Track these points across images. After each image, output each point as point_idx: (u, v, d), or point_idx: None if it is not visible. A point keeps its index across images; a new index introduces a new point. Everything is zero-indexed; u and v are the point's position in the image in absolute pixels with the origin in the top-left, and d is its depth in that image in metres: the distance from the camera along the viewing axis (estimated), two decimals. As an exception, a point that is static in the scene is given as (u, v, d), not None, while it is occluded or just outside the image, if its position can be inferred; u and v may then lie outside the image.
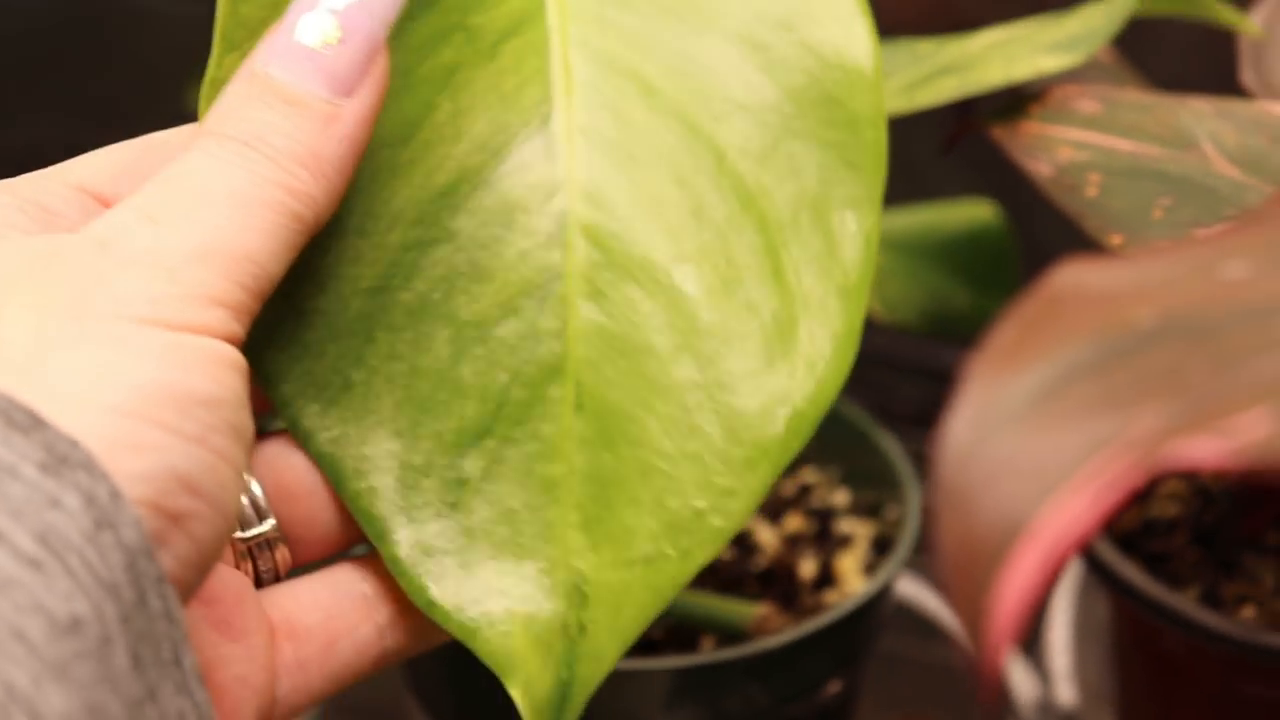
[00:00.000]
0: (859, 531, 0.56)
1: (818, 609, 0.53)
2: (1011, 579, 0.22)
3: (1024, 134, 0.46)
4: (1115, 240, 0.44)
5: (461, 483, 0.35)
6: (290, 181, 0.31)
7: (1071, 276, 0.25)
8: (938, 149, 0.52)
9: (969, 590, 0.23)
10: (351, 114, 0.32)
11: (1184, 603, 0.50)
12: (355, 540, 0.36)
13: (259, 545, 0.34)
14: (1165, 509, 0.56)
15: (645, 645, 0.52)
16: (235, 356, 0.30)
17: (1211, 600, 0.52)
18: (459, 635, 0.34)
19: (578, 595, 0.34)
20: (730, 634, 0.51)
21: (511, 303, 0.35)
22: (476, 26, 0.36)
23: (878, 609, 0.52)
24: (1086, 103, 0.47)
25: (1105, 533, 0.53)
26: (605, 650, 0.34)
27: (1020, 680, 0.62)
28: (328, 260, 0.35)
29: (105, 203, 0.33)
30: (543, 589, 0.34)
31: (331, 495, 0.35)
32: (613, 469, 0.35)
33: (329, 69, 0.32)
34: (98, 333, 0.28)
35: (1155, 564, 0.53)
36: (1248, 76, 0.54)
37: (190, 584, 0.29)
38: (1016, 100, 0.48)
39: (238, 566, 0.34)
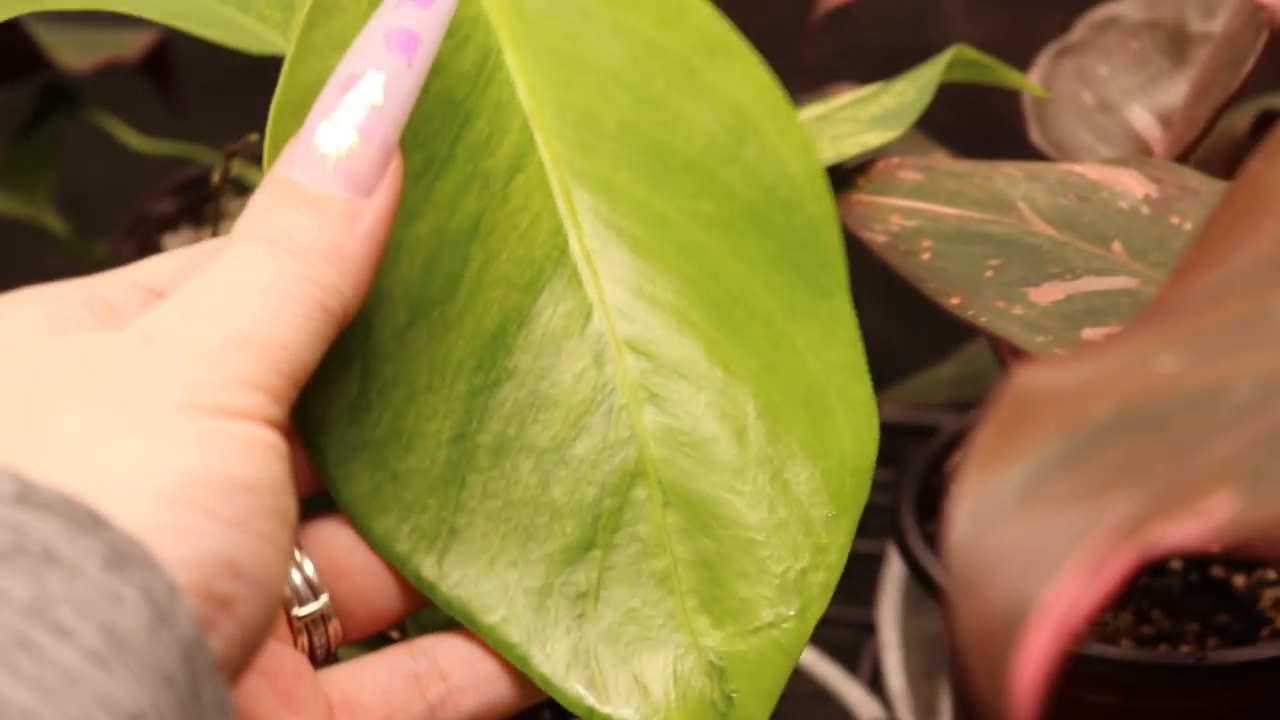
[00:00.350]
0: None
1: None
2: (1028, 654, 0.26)
3: (855, 205, 0.50)
4: (955, 301, 0.48)
5: (581, 595, 0.37)
6: (317, 276, 0.33)
7: (1030, 379, 0.28)
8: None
9: (989, 666, 0.26)
10: (372, 211, 0.34)
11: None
12: (405, 614, 0.38)
13: (313, 621, 0.36)
14: None
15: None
16: (275, 440, 0.31)
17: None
18: None
19: (715, 671, 0.37)
20: None
21: (580, 422, 0.38)
22: (488, 171, 0.39)
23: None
24: (908, 173, 0.51)
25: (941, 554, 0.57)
26: (755, 713, 0.37)
27: (860, 704, 0.66)
28: (408, 422, 0.37)
29: None
30: (684, 673, 0.37)
31: (381, 570, 0.37)
32: (714, 550, 0.38)
33: (349, 172, 0.33)
34: (142, 422, 0.29)
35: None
36: (1035, 135, 0.59)
37: (238, 665, 0.30)
38: (842, 174, 0.52)
39: (294, 643, 0.36)
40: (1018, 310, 0.47)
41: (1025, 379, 0.29)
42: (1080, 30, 0.62)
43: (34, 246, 0.81)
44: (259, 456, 0.30)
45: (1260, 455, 0.26)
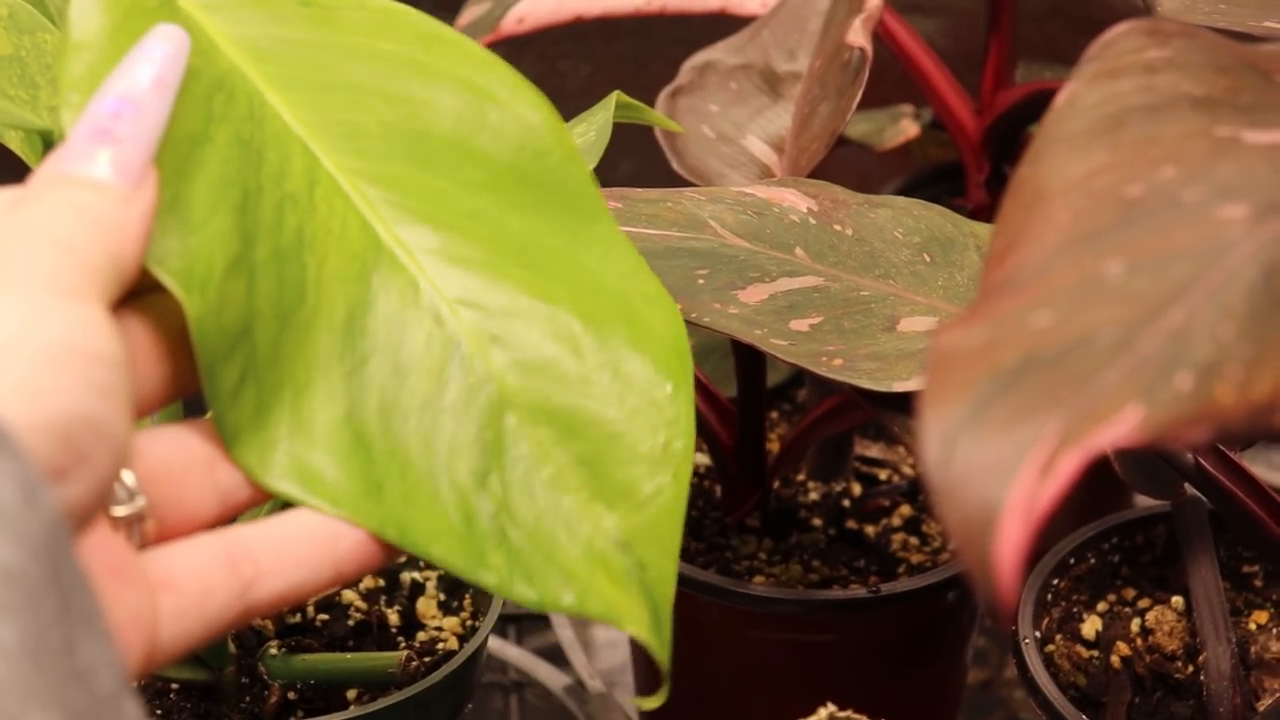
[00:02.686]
0: (428, 575, 0.65)
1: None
2: (1005, 540, 0.34)
3: (569, 231, 0.58)
4: (679, 305, 0.56)
5: (495, 514, 0.43)
6: (107, 241, 0.38)
7: (946, 341, 0.37)
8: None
9: (976, 553, 0.34)
10: (142, 203, 0.39)
11: (716, 578, 0.63)
12: (218, 523, 0.42)
13: (130, 521, 0.40)
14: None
15: (303, 708, 0.60)
16: (116, 328, 0.37)
17: (726, 574, 0.65)
18: (571, 614, 0.44)
19: (623, 545, 0.44)
20: (378, 683, 0.60)
21: (441, 375, 0.44)
22: (293, 191, 0.44)
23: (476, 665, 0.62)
24: (610, 202, 0.59)
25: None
26: (665, 569, 0.44)
27: (550, 677, 0.73)
28: (305, 413, 0.43)
29: None
30: (599, 554, 0.44)
31: (201, 482, 0.42)
32: (588, 449, 0.44)
33: (119, 163, 0.39)
34: (12, 301, 0.35)
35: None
36: (675, 165, 0.68)
37: (90, 511, 0.36)
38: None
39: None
40: (733, 310, 0.56)
41: (944, 341, 0.37)
42: (685, 74, 0.72)
43: None
44: (112, 338, 0.37)
45: (1145, 377, 0.36)
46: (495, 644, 0.76)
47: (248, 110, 0.44)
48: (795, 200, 0.60)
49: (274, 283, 0.43)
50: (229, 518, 0.42)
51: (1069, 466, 0.34)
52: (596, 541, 0.44)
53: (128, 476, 0.40)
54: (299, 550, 0.41)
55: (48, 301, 0.36)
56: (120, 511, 0.39)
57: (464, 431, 0.44)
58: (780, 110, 0.70)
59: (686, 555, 0.67)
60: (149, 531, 0.40)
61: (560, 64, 0.97)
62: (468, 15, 0.77)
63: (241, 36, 0.46)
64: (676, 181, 0.66)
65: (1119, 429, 0.35)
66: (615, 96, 0.62)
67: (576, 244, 0.47)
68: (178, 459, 0.41)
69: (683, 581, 0.62)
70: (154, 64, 0.41)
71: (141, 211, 0.39)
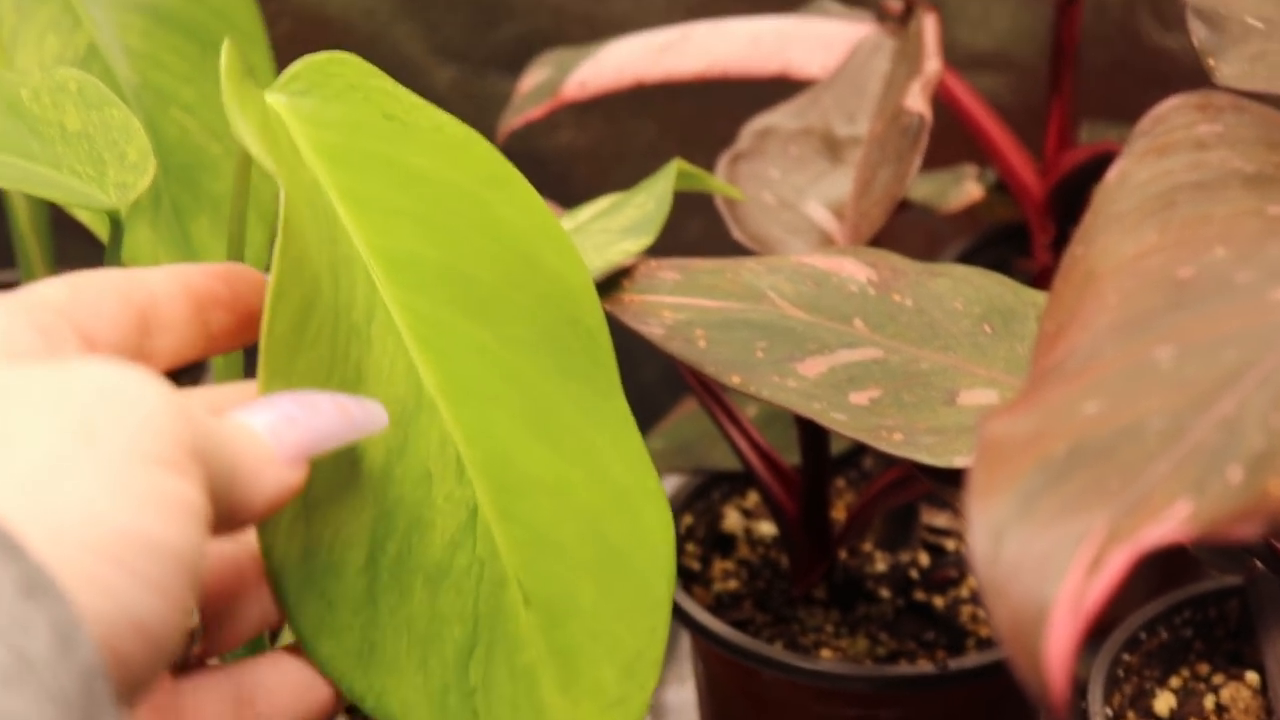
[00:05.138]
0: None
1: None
2: (1055, 638, 0.33)
3: (628, 304, 0.57)
4: (736, 380, 0.55)
5: (473, 691, 0.43)
6: (234, 476, 0.37)
7: (996, 430, 0.36)
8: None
9: (1026, 650, 0.34)
10: (282, 476, 0.38)
11: (783, 653, 0.62)
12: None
13: (185, 643, 0.40)
14: (727, 585, 0.69)
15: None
16: (202, 505, 0.34)
17: (793, 648, 0.65)
18: None
19: None
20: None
21: (454, 539, 0.44)
22: (355, 322, 0.44)
23: None
24: (668, 274, 0.59)
25: (706, 607, 0.65)
26: None
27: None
28: (336, 554, 0.42)
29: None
30: None
31: (247, 599, 0.42)
32: (568, 641, 0.44)
33: (279, 433, 0.38)
34: (89, 468, 0.32)
35: (739, 628, 0.65)
36: (736, 233, 0.68)
37: (124, 704, 0.33)
38: (610, 278, 0.59)
39: None
40: (792, 383, 0.56)
41: (992, 430, 0.37)
42: (745, 139, 0.71)
43: None
44: (187, 521, 0.33)
45: (1194, 469, 0.35)
46: None
47: (329, 230, 0.44)
48: (854, 270, 0.60)
49: None
50: (258, 634, 0.42)
51: (1118, 563, 0.34)
52: None
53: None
54: (286, 699, 0.41)
55: (136, 473, 0.33)
56: None
57: (463, 600, 0.44)
58: (841, 176, 0.70)
59: (753, 628, 0.66)
60: (193, 653, 0.40)
61: (627, 124, 0.97)
62: (530, 80, 0.77)
63: (324, 143, 0.46)
64: (739, 247, 0.65)
65: (1167, 525, 0.34)
66: (676, 165, 0.62)
67: (592, 422, 0.47)
68: (231, 576, 0.41)
69: (748, 655, 0.62)
70: (355, 410, 0.41)
71: (279, 480, 0.38)
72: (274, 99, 0.46)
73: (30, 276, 0.74)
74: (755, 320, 0.58)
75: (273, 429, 0.38)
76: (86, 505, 0.32)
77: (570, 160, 0.98)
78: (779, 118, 0.73)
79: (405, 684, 0.43)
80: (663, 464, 0.72)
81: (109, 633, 0.31)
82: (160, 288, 0.40)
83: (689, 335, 0.57)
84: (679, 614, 0.64)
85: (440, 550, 0.44)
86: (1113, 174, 0.43)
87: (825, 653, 0.65)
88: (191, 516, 0.34)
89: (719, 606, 0.67)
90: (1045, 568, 0.34)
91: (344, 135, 0.46)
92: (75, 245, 0.72)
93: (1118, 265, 0.41)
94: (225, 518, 0.36)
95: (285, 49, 0.73)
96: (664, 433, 0.75)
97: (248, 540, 0.42)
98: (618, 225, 0.60)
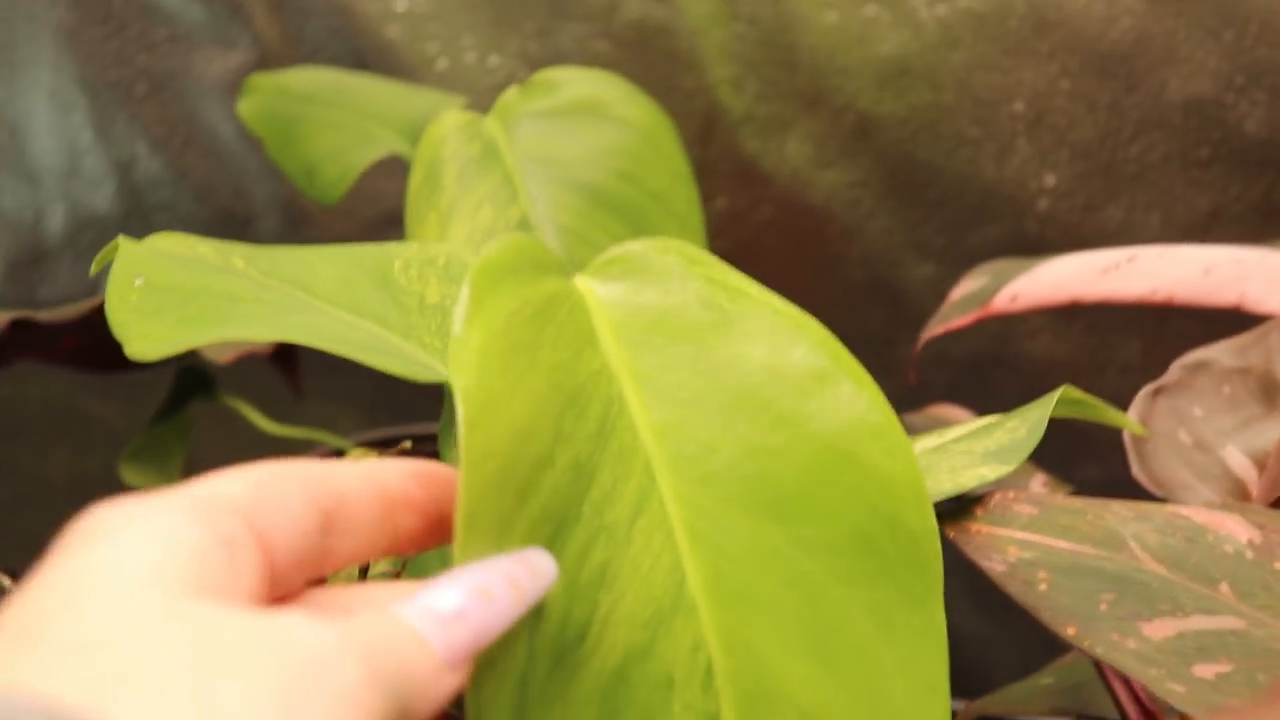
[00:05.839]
0: None
1: None
2: None
3: (974, 534, 0.54)
4: (1071, 631, 0.51)
5: None
6: (410, 693, 0.35)
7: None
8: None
9: None
10: (449, 685, 0.37)
11: None
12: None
13: None
14: None
15: None
16: None
17: None
18: None
19: None
20: None
21: None
22: (612, 523, 0.42)
23: None
24: (1024, 507, 0.55)
25: None
26: None
27: None
28: None
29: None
30: None
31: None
32: None
33: (449, 637, 0.37)
34: None
35: None
36: (1135, 469, 0.63)
37: None
38: (961, 503, 0.55)
39: None
40: (1131, 644, 0.50)
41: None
42: (1174, 372, 0.66)
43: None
44: None
45: None
46: None
47: (598, 423, 0.43)
48: (1235, 529, 0.54)
49: (559, 623, 0.41)
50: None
51: None
52: None
53: None
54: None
55: None
56: None
57: None
58: (1272, 423, 0.64)
59: None
60: None
61: (1109, 337, 0.92)
62: (963, 289, 0.75)
63: (626, 327, 0.45)
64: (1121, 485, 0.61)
65: None
66: (1061, 392, 0.58)
67: (886, 634, 0.44)
68: None
69: None
70: (526, 582, 0.39)
71: (442, 690, 0.37)
72: (583, 282, 0.46)
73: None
74: (1107, 570, 0.53)
75: (443, 633, 0.37)
76: None
77: (1046, 369, 0.94)
78: (1217, 352, 0.67)
79: None
80: (1047, 702, 0.67)
81: None
82: (350, 487, 0.39)
83: (1031, 577, 0.52)
84: None
85: None
86: None
87: None
88: None
89: None
90: None
91: (650, 321, 0.45)
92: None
93: None
94: None
95: (765, 234, 0.74)
96: (1059, 669, 0.70)
97: None
98: (982, 448, 0.57)
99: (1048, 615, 0.52)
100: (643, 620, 0.42)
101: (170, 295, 0.51)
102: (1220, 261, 0.72)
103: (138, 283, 0.52)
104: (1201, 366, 0.67)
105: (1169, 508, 0.55)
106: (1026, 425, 0.57)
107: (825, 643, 0.43)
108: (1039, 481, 0.69)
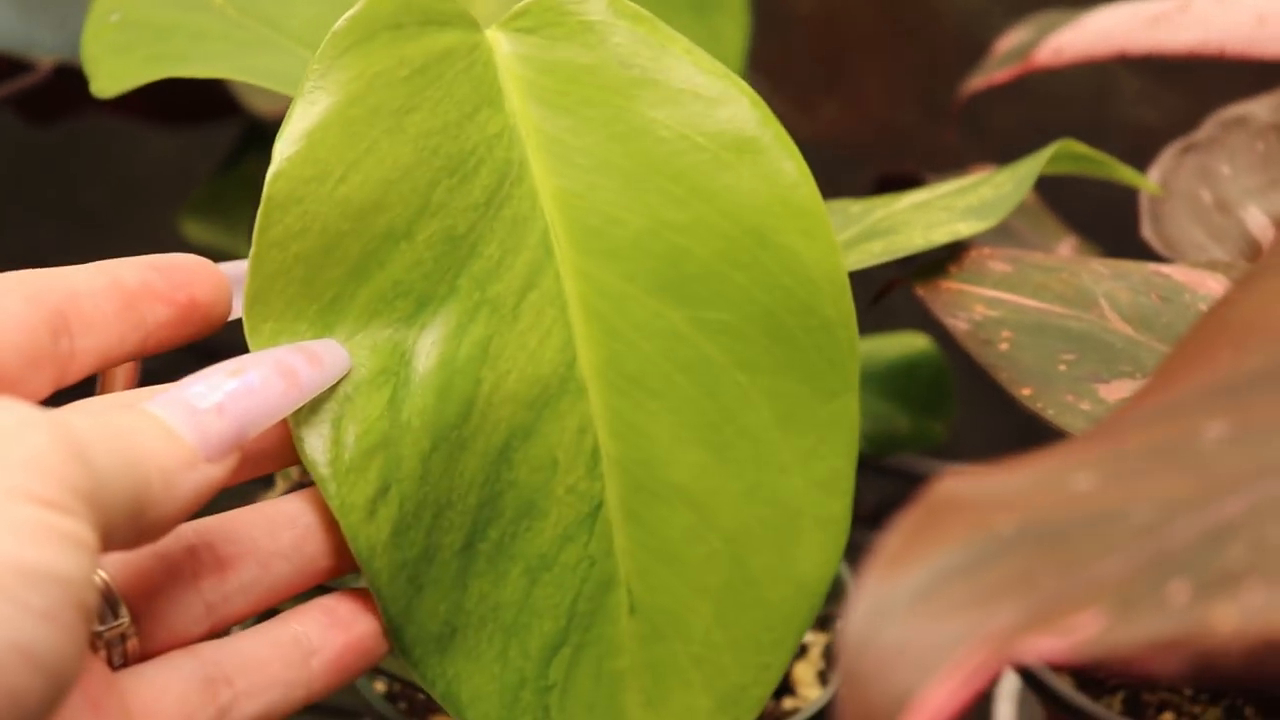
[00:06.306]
0: (813, 641, 0.61)
1: (779, 716, 0.58)
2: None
3: (943, 292, 0.52)
4: (1025, 392, 0.49)
5: (549, 688, 0.41)
6: (141, 478, 0.34)
7: (947, 488, 0.30)
8: (867, 300, 0.57)
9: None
10: (204, 476, 0.35)
11: (1106, 712, 0.55)
12: (204, 637, 0.39)
13: (113, 639, 0.38)
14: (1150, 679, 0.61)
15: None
16: (90, 538, 0.31)
17: (1134, 707, 0.57)
18: None
19: None
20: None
21: (566, 533, 0.41)
22: (496, 296, 0.41)
23: (832, 714, 0.57)
24: (998, 264, 0.53)
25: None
26: None
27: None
28: (434, 537, 0.40)
29: None
30: None
31: (179, 595, 0.39)
32: (667, 658, 0.41)
33: (203, 428, 0.36)
34: None
35: (1084, 672, 0.58)
36: (1147, 231, 0.60)
37: None
38: (938, 260, 0.53)
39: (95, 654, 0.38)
40: (1085, 405, 0.49)
41: (944, 487, 0.30)
42: (1208, 128, 0.63)
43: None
44: (74, 551, 0.31)
45: (1139, 579, 0.28)
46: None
47: (487, 192, 0.42)
48: (1215, 288, 0.51)
49: (434, 397, 0.40)
50: (215, 633, 0.40)
51: (982, 670, 0.27)
52: None
53: (108, 590, 0.38)
54: (273, 671, 0.39)
55: (17, 508, 0.30)
56: (102, 629, 0.38)
57: (561, 596, 0.41)
58: (1301, 181, 0.60)
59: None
60: (131, 649, 0.38)
61: (1212, 101, 0.88)
62: (1006, 42, 0.71)
63: (535, 86, 0.43)
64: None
65: (1056, 640, 0.27)
66: (1059, 145, 0.56)
67: (789, 426, 0.42)
68: (161, 572, 0.39)
69: None
70: (304, 372, 0.38)
71: (198, 483, 0.35)
72: (492, 34, 0.44)
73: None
74: (1072, 329, 0.51)
75: (195, 422, 0.36)
76: None
77: (1139, 135, 0.90)
78: (1257, 108, 0.64)
79: (480, 672, 0.41)
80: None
81: None
82: (81, 283, 0.38)
83: (993, 335, 0.51)
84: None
85: (548, 542, 0.41)
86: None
87: (1166, 716, 0.57)
88: (78, 547, 0.31)
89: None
90: (917, 664, 0.28)
91: (564, 79, 0.43)
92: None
93: (1252, 319, 0.33)
94: (136, 534, 0.34)
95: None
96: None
97: (178, 533, 0.40)
98: (963, 204, 0.54)
99: (1005, 376, 0.50)
100: (528, 400, 0.41)
101: (143, 31, 0.51)
102: (1276, 12, 0.67)
103: (114, 18, 0.52)
104: (1238, 122, 0.63)
105: (1150, 266, 0.53)
106: (1014, 180, 0.55)
107: (720, 431, 0.42)
108: (1069, 245, 0.66)
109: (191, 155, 0.92)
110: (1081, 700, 0.55)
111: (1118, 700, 0.57)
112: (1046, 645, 0.27)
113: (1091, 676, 0.55)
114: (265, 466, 0.40)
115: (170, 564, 0.39)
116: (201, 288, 0.39)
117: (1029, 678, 0.56)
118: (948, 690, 0.27)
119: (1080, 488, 0.30)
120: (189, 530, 0.39)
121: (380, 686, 0.59)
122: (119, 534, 0.33)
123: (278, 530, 0.40)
